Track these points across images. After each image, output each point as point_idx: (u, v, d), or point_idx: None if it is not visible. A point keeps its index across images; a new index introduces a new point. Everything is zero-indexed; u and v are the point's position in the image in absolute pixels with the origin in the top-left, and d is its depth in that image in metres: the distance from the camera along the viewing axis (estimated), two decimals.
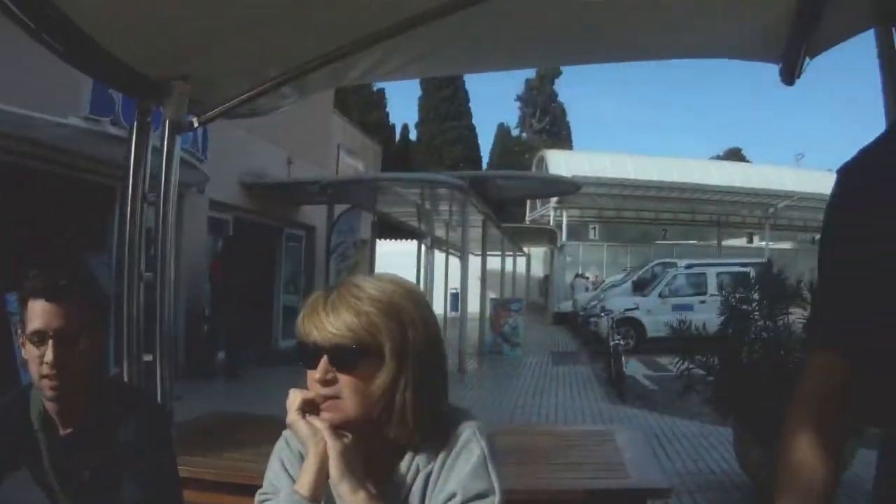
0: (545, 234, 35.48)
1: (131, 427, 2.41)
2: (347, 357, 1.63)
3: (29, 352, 2.32)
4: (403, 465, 1.70)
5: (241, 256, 15.05)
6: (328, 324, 1.63)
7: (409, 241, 25.12)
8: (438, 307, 27.21)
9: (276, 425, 1.84)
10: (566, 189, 27.82)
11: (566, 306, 31.43)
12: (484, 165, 56.77)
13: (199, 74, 2.77)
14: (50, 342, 2.28)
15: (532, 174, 34.79)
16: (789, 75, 3.25)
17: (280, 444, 1.84)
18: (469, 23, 2.25)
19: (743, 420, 7.15)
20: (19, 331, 2.35)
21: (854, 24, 2.76)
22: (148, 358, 3.35)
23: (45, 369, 2.28)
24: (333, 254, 16.13)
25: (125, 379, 3.32)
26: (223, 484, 3.43)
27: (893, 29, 2.65)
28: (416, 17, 2.14)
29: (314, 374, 1.65)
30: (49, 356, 2.27)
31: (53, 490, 2.49)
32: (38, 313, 2.29)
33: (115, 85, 3.16)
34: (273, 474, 1.80)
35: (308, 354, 1.66)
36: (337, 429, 1.65)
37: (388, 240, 25.67)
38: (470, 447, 1.67)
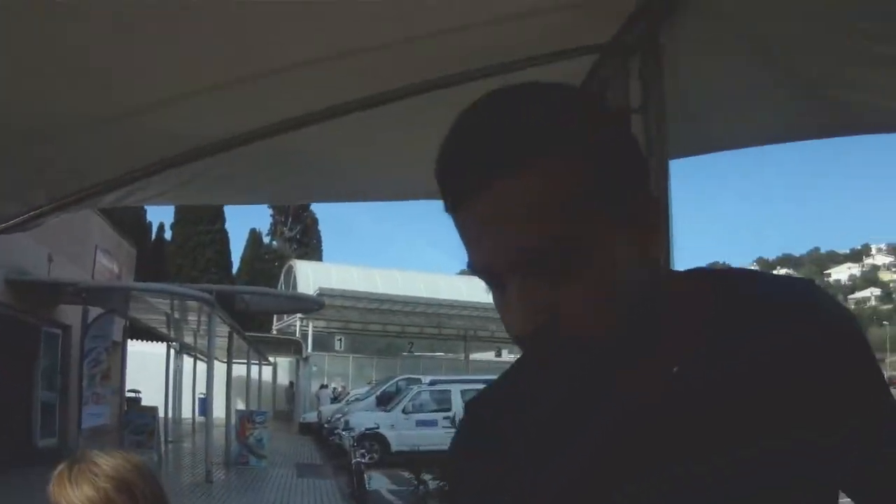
0: (291, 345, 35.51)
1: None
2: None
3: None
4: None
5: (3, 352, 14.95)
6: (73, 497, 1.85)
7: (159, 343, 25.07)
8: (187, 411, 26.89)
9: None
10: (310, 306, 28.90)
11: (311, 417, 31.25)
12: (234, 270, 56.21)
13: None
14: None
15: (277, 291, 35.73)
16: None
17: None
18: (223, 163, 2.53)
19: None
20: None
21: None
22: None
23: None
24: (87, 358, 15.95)
25: None
26: None
27: None
28: (173, 158, 2.40)
29: None
30: None
31: None
32: None
33: None
34: None
35: None
36: None
37: (138, 341, 25.44)
38: None
